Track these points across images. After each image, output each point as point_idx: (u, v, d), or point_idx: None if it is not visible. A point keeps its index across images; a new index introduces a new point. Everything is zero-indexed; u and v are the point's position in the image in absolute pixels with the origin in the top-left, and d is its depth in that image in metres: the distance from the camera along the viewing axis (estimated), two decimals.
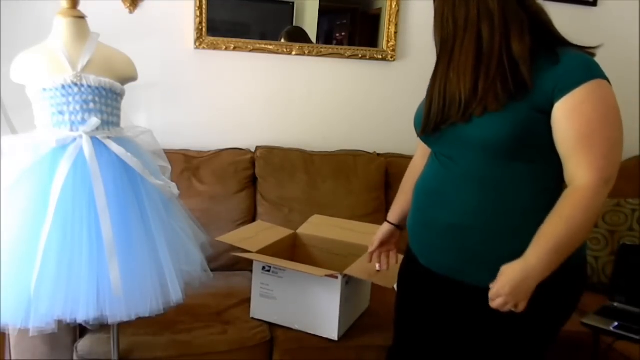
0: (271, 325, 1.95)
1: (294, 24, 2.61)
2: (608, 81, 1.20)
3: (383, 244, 1.63)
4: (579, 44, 1.25)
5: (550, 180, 1.26)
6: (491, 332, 1.31)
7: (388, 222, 1.62)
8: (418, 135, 1.41)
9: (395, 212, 1.60)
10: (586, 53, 1.23)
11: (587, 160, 1.17)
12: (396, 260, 1.65)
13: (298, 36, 2.62)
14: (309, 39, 2.63)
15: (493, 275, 1.25)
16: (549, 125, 1.20)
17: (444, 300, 1.38)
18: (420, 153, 1.56)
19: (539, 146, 1.23)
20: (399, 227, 1.60)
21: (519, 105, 1.20)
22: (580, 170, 1.17)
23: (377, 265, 1.66)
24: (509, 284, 1.18)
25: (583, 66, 1.19)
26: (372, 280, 1.81)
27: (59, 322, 1.46)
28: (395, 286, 1.59)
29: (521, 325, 1.28)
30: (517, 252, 1.23)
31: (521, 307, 1.19)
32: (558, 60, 1.19)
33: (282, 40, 2.59)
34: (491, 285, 1.21)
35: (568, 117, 1.17)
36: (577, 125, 1.17)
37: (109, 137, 1.58)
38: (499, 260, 1.25)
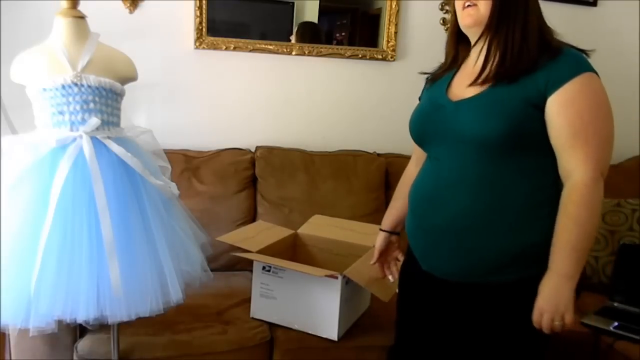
0: (271, 325, 1.95)
1: (295, 24, 2.61)
2: (597, 75, 1.21)
3: (383, 252, 1.62)
4: (578, 44, 1.26)
5: (546, 175, 1.25)
6: (491, 333, 1.31)
7: (382, 230, 1.62)
8: (413, 139, 1.41)
9: (388, 219, 1.60)
10: (579, 51, 1.24)
11: (583, 155, 1.18)
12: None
13: (312, 31, 2.62)
14: (322, 34, 2.64)
15: (493, 273, 1.25)
16: (542, 121, 1.21)
17: (445, 302, 1.38)
18: (414, 159, 1.56)
19: (533, 142, 1.23)
20: (395, 233, 1.60)
21: (513, 92, 1.20)
22: (576, 165, 1.19)
23: (390, 277, 1.64)
24: (547, 298, 1.20)
25: (573, 60, 1.21)
26: (369, 290, 1.81)
27: (59, 322, 1.46)
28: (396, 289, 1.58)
29: (520, 325, 1.27)
30: (516, 248, 1.23)
31: (568, 318, 1.20)
32: (553, 55, 1.20)
33: (294, 35, 2.59)
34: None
35: (561, 112, 1.18)
36: (570, 119, 1.18)
37: (109, 137, 1.58)
38: (499, 258, 1.25)
